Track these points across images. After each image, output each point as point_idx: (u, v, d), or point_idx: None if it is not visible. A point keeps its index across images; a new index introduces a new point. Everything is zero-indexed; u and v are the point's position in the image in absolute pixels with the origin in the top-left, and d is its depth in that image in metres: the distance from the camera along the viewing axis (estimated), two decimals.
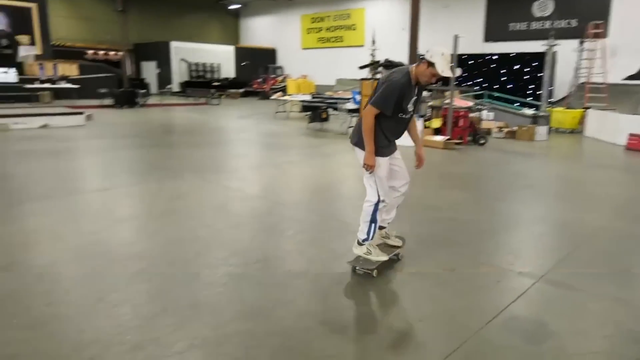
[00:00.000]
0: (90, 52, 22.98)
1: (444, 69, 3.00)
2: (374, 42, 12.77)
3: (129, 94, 17.17)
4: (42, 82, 16.55)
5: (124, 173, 6.71)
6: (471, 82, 16.28)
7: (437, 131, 10.03)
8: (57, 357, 2.39)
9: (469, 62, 16.44)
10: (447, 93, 10.79)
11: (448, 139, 9.51)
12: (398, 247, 3.66)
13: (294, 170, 7.12)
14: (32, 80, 16.40)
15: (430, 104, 10.70)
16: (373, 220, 3.25)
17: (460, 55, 9.78)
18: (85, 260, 3.57)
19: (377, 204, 3.22)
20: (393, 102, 3.08)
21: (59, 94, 16.85)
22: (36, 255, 3.66)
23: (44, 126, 11.10)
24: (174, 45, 25.03)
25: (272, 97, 17.86)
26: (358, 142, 3.23)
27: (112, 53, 23.22)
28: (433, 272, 3.50)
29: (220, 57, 26.88)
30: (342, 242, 4.02)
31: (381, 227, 3.59)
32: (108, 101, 16.81)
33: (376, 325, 2.78)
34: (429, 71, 3.04)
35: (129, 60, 21.57)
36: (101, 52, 23.30)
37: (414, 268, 3.55)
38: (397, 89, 3.06)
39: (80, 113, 12.21)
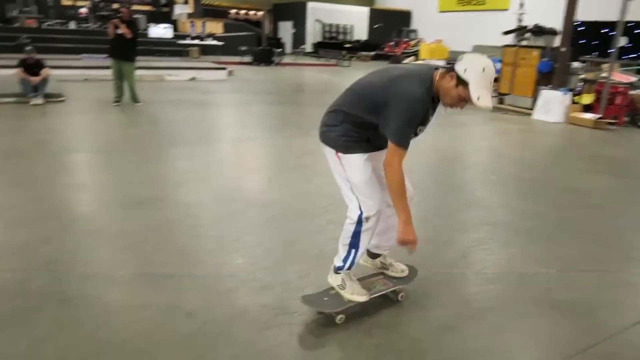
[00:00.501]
0: (233, 11, 24.54)
1: (480, 95, 2.00)
2: (522, 5, 11.48)
3: (266, 52, 18.07)
4: (192, 38, 18.17)
5: (258, 126, 7.16)
6: (636, 55, 13.88)
7: (588, 108, 8.83)
8: (202, 282, 2.68)
9: (636, 31, 13.94)
10: (605, 65, 9.36)
11: (600, 118, 8.36)
12: (401, 277, 2.63)
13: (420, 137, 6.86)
14: (183, 37, 18.10)
15: (582, 76, 9.44)
16: (354, 244, 2.32)
17: (627, 23, 8.30)
18: (225, 202, 3.91)
19: (359, 222, 2.26)
20: (414, 130, 2.13)
21: (205, 50, 18.38)
22: (185, 192, 4.11)
23: (192, 79, 12.27)
24: (311, 5, 25.50)
25: (404, 61, 17.35)
26: (326, 139, 2.31)
27: (252, 13, 24.52)
28: (574, 257, 3.16)
29: (354, 19, 26.74)
30: (468, 214, 3.85)
31: (375, 255, 2.66)
32: (247, 58, 17.92)
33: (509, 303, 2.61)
34: (457, 92, 2.07)
35: (267, 20, 22.64)
36: (242, 12, 24.73)
37: (555, 253, 3.23)
38: (419, 108, 2.08)
39: (223, 68, 13.21)
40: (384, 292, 2.50)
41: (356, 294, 2.38)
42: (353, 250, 2.32)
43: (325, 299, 2.41)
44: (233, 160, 5.38)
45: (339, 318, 2.35)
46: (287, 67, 17.94)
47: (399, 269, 2.65)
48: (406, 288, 2.61)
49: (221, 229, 3.40)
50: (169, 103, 8.64)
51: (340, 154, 2.22)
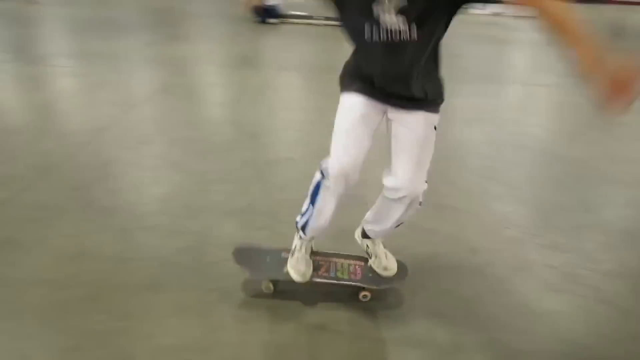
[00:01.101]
0: None
1: None
2: None
3: None
4: None
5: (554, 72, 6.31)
6: None
7: None
8: (488, 226, 2.68)
9: None
10: None
11: None
12: (379, 275, 1.93)
13: None
14: None
15: None
16: (312, 198, 1.75)
17: None
18: (517, 149, 3.70)
19: (321, 173, 1.69)
20: None
21: None
22: (475, 132, 4.07)
23: (497, 15, 11.49)
24: None
25: None
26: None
27: None
28: None
29: None
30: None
31: (365, 234, 1.97)
32: None
33: None
34: None
35: None
36: None
37: None
38: None
39: None
40: (340, 282, 1.87)
41: (294, 269, 1.84)
42: (310, 207, 1.77)
43: (267, 259, 1.95)
44: (525, 104, 5.01)
45: (266, 286, 1.91)
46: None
47: (383, 265, 1.95)
48: (376, 289, 1.91)
49: (511, 176, 3.26)
50: (468, 37, 8.40)
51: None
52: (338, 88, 1.68)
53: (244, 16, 8.33)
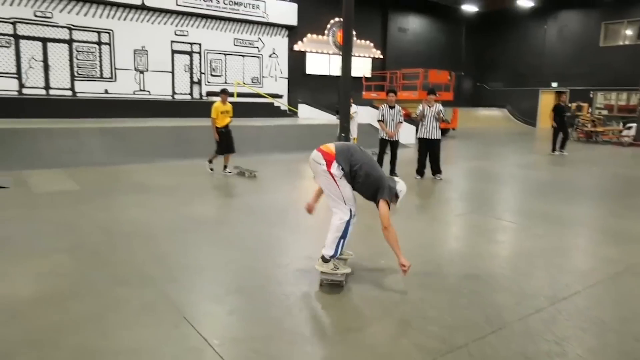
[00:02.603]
0: None
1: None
2: None
3: None
4: None
5: None
6: None
7: None
8: None
9: None
10: None
11: None
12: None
13: None
14: None
15: None
16: (344, 235, 3.85)
17: None
18: None
19: (349, 220, 3.86)
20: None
21: None
22: None
23: None
24: None
25: None
26: None
27: None
28: None
29: None
30: None
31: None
32: None
33: None
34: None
35: None
36: None
37: None
38: None
39: None
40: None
41: (345, 269, 3.92)
42: (342, 240, 3.88)
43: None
44: None
45: (344, 282, 3.89)
46: None
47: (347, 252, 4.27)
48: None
49: None
50: None
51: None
52: None
53: None
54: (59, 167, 9.47)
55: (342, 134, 9.23)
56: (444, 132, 18.29)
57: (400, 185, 4.02)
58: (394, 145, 9.31)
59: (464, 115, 22.88)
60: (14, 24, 15.45)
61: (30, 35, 15.74)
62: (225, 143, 9.26)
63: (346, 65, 9.31)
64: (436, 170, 9.28)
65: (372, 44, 25.03)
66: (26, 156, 9.75)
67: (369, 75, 23.37)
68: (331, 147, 3.91)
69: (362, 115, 14.99)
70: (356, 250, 4.59)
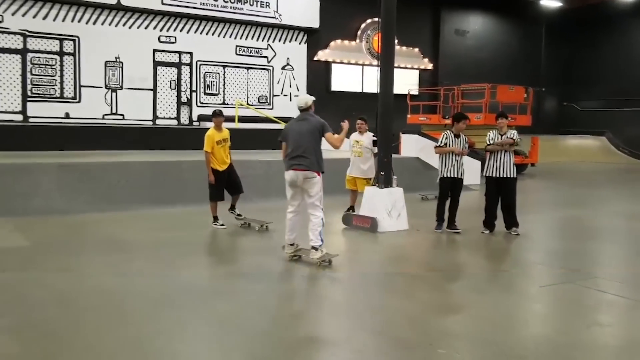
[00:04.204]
0: None
1: None
2: None
3: None
4: None
5: None
6: None
7: None
8: None
9: None
10: None
11: None
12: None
13: None
14: None
15: None
16: (322, 226, 7.13)
17: None
18: None
19: (323, 216, 7.22)
20: None
21: None
22: None
23: None
24: None
25: None
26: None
27: None
28: None
29: None
30: None
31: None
32: None
33: None
34: None
35: None
36: None
37: None
38: None
39: None
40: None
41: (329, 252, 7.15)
42: (322, 231, 7.11)
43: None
44: None
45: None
46: None
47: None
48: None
49: None
50: None
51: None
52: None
53: None
54: (4, 216, 9.70)
55: (382, 172, 9.29)
56: (520, 168, 18.21)
57: None
58: (456, 186, 9.31)
59: (546, 146, 22.80)
60: None
61: None
62: (228, 184, 9.41)
63: (386, 79, 9.48)
64: (511, 222, 9.19)
65: (419, 52, 25.49)
66: None
67: (415, 92, 23.67)
68: (305, 162, 7.11)
69: (409, 146, 15.09)
70: None
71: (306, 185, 7.12)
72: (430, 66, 25.90)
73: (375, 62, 23.07)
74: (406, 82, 23.60)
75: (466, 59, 26.45)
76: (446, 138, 9.27)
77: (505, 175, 9.07)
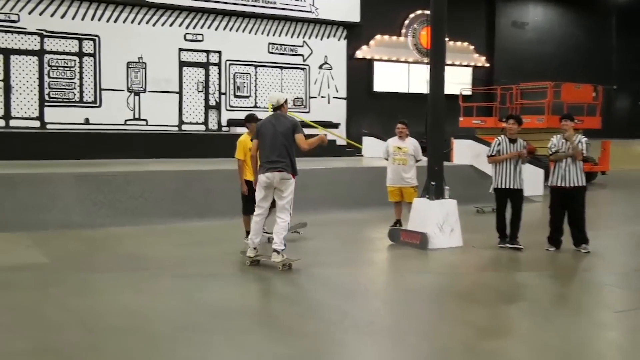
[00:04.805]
0: None
1: None
2: None
3: None
4: None
5: None
6: None
7: None
8: None
9: None
10: None
11: None
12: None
13: None
14: None
15: None
16: (286, 231, 7.85)
17: None
18: None
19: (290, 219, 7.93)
20: None
21: None
22: None
23: None
24: None
25: None
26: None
27: None
28: None
29: None
30: None
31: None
32: None
33: None
34: None
35: None
36: None
37: None
38: None
39: None
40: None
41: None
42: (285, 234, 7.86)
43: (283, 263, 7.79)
44: None
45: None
46: None
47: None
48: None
49: None
50: None
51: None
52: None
53: None
54: (21, 230, 9.94)
55: (432, 183, 9.23)
56: (589, 177, 17.84)
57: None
58: (517, 197, 9.18)
59: (618, 152, 22.29)
60: None
61: None
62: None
63: (437, 78, 9.43)
64: (580, 238, 9.01)
65: (472, 47, 25.30)
66: None
67: (468, 92, 23.49)
68: (281, 165, 7.72)
69: (462, 152, 14.97)
70: None
71: (281, 186, 7.77)
72: (484, 63, 25.68)
73: (423, 59, 23.04)
74: (458, 81, 23.42)
75: (525, 54, 26.15)
76: (499, 144, 9.15)
77: (572, 185, 8.86)
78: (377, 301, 6.67)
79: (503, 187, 9.10)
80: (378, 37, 23.12)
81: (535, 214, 12.01)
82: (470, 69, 25.36)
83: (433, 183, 9.24)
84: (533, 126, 18.28)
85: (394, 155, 10.38)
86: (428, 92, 9.75)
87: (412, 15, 23.86)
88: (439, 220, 9.14)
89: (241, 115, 18.71)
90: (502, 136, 9.28)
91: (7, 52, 17.26)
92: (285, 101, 8.05)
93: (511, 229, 9.16)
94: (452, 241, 9.22)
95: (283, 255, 7.76)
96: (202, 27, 19.70)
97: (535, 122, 18.45)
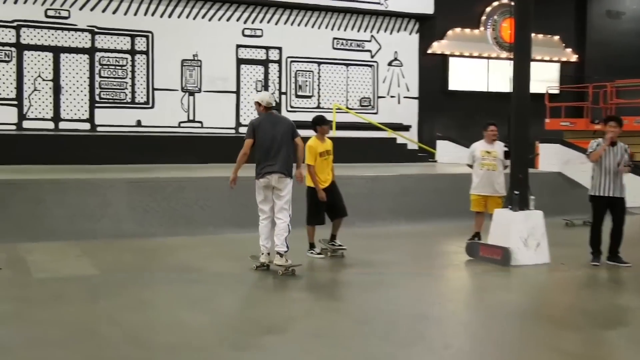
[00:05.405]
0: None
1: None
2: None
3: None
4: None
5: None
6: None
7: None
8: None
9: None
10: None
11: None
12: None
13: None
14: None
15: None
16: (289, 232, 8.29)
17: None
18: None
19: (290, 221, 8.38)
20: None
21: None
22: None
23: None
24: None
25: None
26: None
27: None
28: None
29: None
30: None
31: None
32: None
33: None
34: None
35: None
36: None
37: None
38: None
39: None
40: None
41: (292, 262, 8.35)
42: (288, 236, 8.34)
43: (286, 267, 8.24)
44: None
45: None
46: None
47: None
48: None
49: None
50: None
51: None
52: None
53: None
54: (71, 239, 10.27)
55: (515, 192, 9.06)
56: None
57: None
58: (618, 207, 8.90)
59: None
60: (17, 28, 17.61)
61: (38, 43, 17.83)
62: (329, 205, 9.50)
63: (521, 75, 9.28)
64: None
65: (560, 40, 24.76)
66: (25, 221, 10.70)
67: (555, 90, 23.00)
68: (279, 167, 8.28)
69: (549, 158, 14.66)
70: None
71: (280, 185, 8.29)
72: (574, 58, 25.08)
73: (504, 54, 22.69)
74: (544, 78, 22.90)
75: (622, 47, 25.36)
76: (598, 145, 8.92)
77: None
78: (454, 323, 6.58)
79: (602, 194, 8.85)
80: (454, 30, 22.88)
81: (633, 227, 11.62)
82: (557, 65, 24.80)
83: (516, 192, 9.07)
84: (632, 128, 17.71)
85: (482, 160, 10.22)
86: (511, 91, 9.60)
87: (492, 5, 23.52)
88: (523, 233, 8.97)
89: (303, 117, 19.05)
90: (600, 139, 9.04)
91: (57, 50, 17.92)
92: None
93: (611, 244, 8.89)
94: (538, 257, 9.03)
95: (287, 260, 8.18)
96: (261, 22, 19.95)
97: (634, 123, 17.87)
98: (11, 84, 17.53)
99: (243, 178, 12.84)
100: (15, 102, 17.56)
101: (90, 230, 10.72)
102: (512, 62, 9.57)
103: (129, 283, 7.86)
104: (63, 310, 6.67)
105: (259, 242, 8.47)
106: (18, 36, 17.59)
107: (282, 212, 8.33)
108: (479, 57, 23.42)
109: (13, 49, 17.55)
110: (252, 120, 8.76)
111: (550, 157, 15.84)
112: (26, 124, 17.60)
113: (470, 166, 10.41)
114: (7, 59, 17.49)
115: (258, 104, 8.62)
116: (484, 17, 23.56)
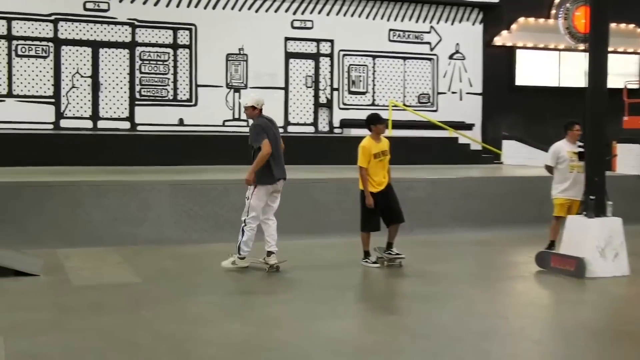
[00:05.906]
0: None
1: None
2: None
3: None
4: None
5: None
6: None
7: None
8: None
9: None
10: None
11: None
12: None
13: None
14: None
15: None
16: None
17: None
18: None
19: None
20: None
21: None
22: None
23: None
24: None
25: None
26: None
27: None
28: None
29: None
30: None
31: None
32: None
33: None
34: None
35: None
36: None
37: None
38: None
39: None
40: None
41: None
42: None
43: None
44: None
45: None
46: None
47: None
48: None
49: None
50: None
51: None
52: None
53: None
54: (110, 245, 10.47)
55: (591, 197, 8.90)
56: None
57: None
58: None
59: None
60: (54, 22, 18.00)
61: (76, 38, 18.19)
62: (384, 210, 9.47)
63: (598, 68, 9.12)
64: None
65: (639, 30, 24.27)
66: (63, 226, 10.96)
67: (635, 85, 22.49)
68: (284, 172, 9.07)
69: (627, 160, 14.41)
70: None
71: (280, 188, 9.27)
72: None
73: (577, 45, 22.30)
74: (621, 72, 22.46)
75: None
76: None
77: None
78: (524, 340, 6.49)
79: None
80: (521, 19, 22.59)
81: None
82: (637, 57, 24.29)
83: (592, 197, 8.93)
84: None
85: (570, 162, 10.06)
86: (585, 86, 9.45)
87: None
88: (599, 242, 8.82)
89: (356, 115, 19.08)
90: None
91: (96, 45, 18.22)
92: None
93: None
94: (617, 268, 8.88)
95: (275, 258, 9.04)
96: (311, 13, 19.97)
97: None
98: (48, 80, 17.88)
99: (294, 180, 12.99)
100: (53, 100, 17.89)
101: (131, 235, 10.90)
102: (586, 54, 9.40)
103: (172, 292, 7.97)
104: (103, 319, 6.79)
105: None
106: (55, 30, 17.95)
107: (273, 214, 9.30)
108: (549, 49, 23.06)
109: (50, 44, 17.91)
110: (255, 123, 9.33)
111: (629, 159, 15.55)
112: (63, 123, 17.92)
113: (550, 168, 10.22)
114: (44, 54, 17.85)
115: (253, 107, 9.20)
116: (554, 5, 23.19)
